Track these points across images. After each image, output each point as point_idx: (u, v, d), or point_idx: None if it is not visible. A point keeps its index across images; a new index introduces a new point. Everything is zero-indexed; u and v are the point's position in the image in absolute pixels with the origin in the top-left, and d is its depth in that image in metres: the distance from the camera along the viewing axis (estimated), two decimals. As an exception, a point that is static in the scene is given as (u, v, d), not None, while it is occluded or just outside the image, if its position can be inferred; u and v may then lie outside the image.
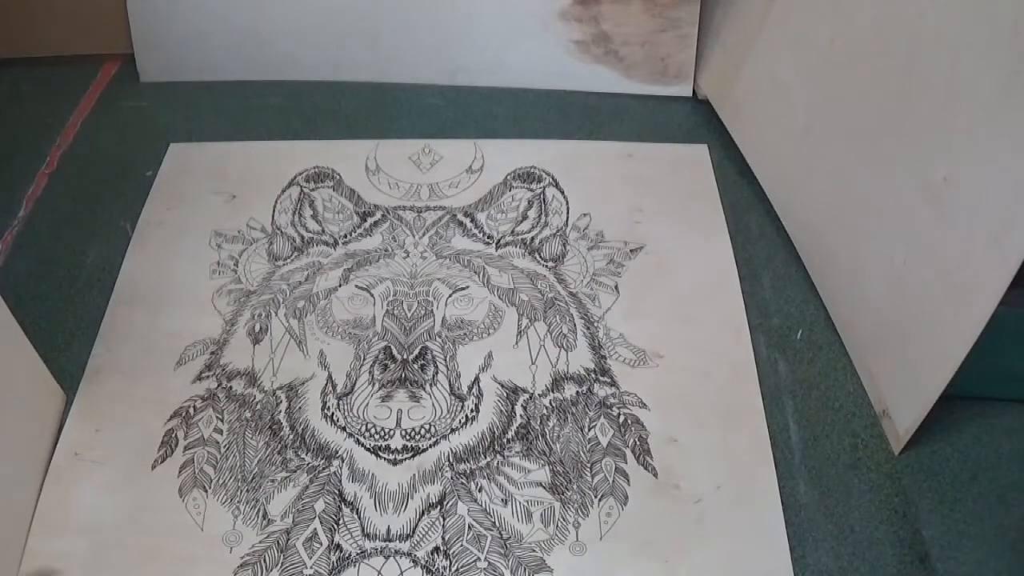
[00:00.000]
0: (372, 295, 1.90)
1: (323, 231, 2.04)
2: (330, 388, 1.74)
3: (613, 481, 1.61)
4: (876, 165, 1.71)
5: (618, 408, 1.71)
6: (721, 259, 1.98)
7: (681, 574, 1.50)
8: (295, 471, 1.62)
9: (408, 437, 1.67)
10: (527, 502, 1.58)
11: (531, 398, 1.73)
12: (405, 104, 2.38)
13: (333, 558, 1.51)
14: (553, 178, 2.16)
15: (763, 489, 1.60)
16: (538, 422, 1.69)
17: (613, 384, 1.75)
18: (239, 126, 2.30)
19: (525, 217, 2.07)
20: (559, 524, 1.55)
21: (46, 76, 2.42)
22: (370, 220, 2.06)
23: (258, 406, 1.72)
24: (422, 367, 1.76)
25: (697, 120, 2.32)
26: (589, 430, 1.68)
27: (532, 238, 2.02)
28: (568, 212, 2.08)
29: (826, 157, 1.87)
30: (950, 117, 1.52)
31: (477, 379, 1.75)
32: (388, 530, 1.54)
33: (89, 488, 1.60)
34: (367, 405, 1.71)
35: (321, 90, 2.41)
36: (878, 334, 1.73)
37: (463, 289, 1.90)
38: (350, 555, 1.51)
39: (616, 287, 1.92)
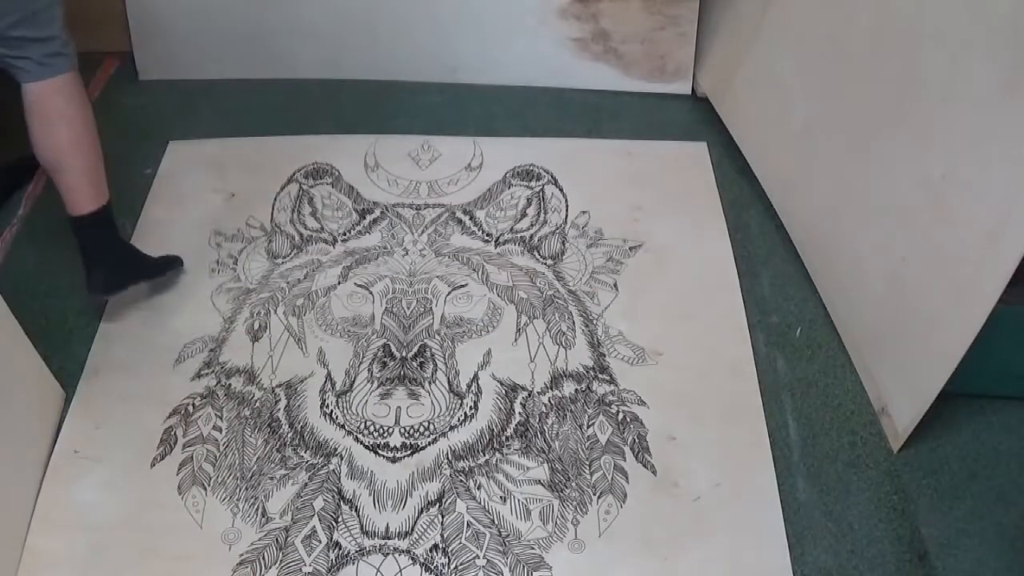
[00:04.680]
0: (371, 293, 1.90)
1: (322, 228, 2.04)
2: (329, 386, 1.74)
3: (612, 479, 1.61)
4: (875, 162, 1.71)
5: (617, 406, 1.71)
6: (720, 257, 1.98)
7: (680, 571, 1.50)
8: (294, 469, 1.62)
9: (407, 435, 1.67)
10: (526, 499, 1.58)
11: (530, 395, 1.73)
12: (404, 102, 2.38)
13: (332, 556, 1.51)
14: (552, 176, 2.16)
15: (762, 487, 1.60)
16: (537, 419, 1.69)
17: (612, 382, 1.75)
18: (238, 124, 2.30)
19: (524, 215, 2.07)
20: (558, 522, 1.55)
21: (45, 74, 2.42)
22: (369, 217, 2.06)
23: (257, 404, 1.72)
24: (421, 365, 1.76)
25: (696, 118, 2.32)
26: (588, 428, 1.68)
27: (531, 236, 2.02)
28: (567, 210, 2.08)
29: (825, 155, 1.87)
30: (949, 115, 1.51)
31: (476, 376, 1.75)
32: (387, 527, 1.54)
33: (88, 486, 1.60)
34: (366, 403, 1.71)
35: (320, 88, 2.41)
36: (877, 332, 1.73)
37: (462, 287, 1.90)
38: (349, 553, 1.51)
39: (615, 285, 1.92)
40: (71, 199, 1.73)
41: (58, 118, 1.66)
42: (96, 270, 1.76)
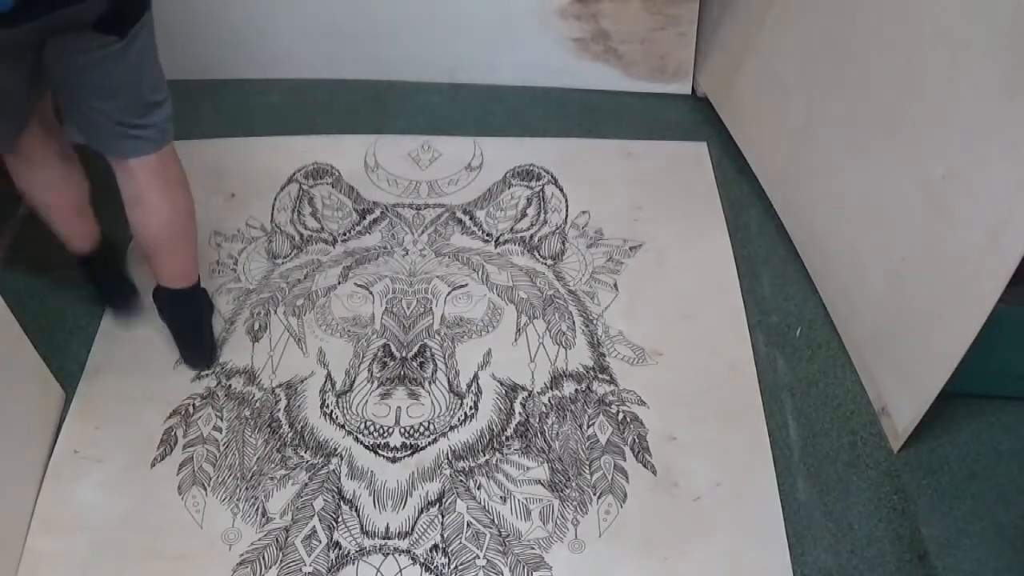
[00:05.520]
0: (371, 293, 1.90)
1: (322, 229, 2.04)
2: (329, 386, 1.74)
3: (612, 479, 1.61)
4: (875, 163, 1.71)
5: (617, 406, 1.71)
6: (720, 257, 1.98)
7: (680, 571, 1.50)
8: (294, 469, 1.62)
9: (407, 435, 1.67)
10: (526, 499, 1.58)
11: (530, 396, 1.73)
12: (404, 101, 2.38)
13: (332, 556, 1.51)
14: (552, 176, 2.16)
15: (762, 487, 1.60)
16: (537, 419, 1.69)
17: (612, 382, 1.75)
18: (238, 124, 2.30)
19: (524, 215, 2.07)
20: (558, 522, 1.56)
21: (45, 74, 2.42)
22: (369, 217, 2.06)
23: (257, 404, 1.72)
24: (421, 365, 1.76)
25: (696, 118, 2.32)
26: (588, 428, 1.68)
27: (531, 236, 2.02)
28: (567, 210, 2.08)
29: (825, 155, 1.87)
30: (949, 115, 1.51)
31: (476, 376, 1.75)
32: (387, 527, 1.54)
33: (88, 486, 1.60)
34: (366, 403, 1.71)
35: (320, 87, 2.41)
36: (877, 332, 1.73)
37: (462, 287, 1.90)
38: (349, 553, 1.51)
39: (615, 285, 1.92)
40: (186, 270, 1.70)
41: (181, 185, 1.61)
42: (198, 344, 1.77)
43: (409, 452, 1.64)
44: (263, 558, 1.51)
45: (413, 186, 2.14)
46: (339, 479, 1.61)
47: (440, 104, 2.37)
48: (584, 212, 2.07)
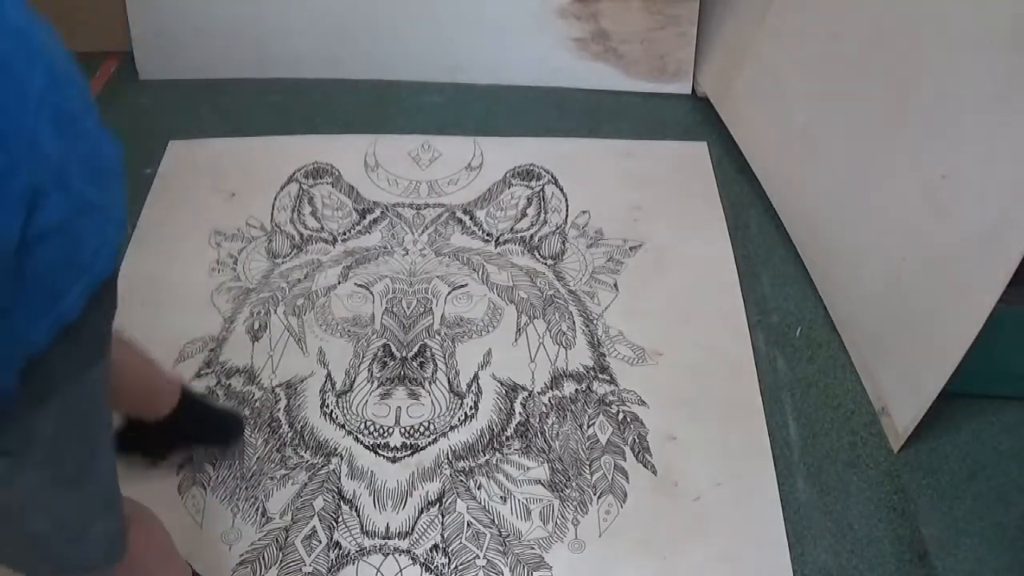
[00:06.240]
0: (371, 293, 1.90)
1: (322, 228, 2.04)
2: (329, 386, 1.74)
3: (612, 479, 1.61)
4: (875, 163, 1.71)
5: (617, 406, 1.71)
6: (720, 257, 1.98)
7: (680, 571, 1.50)
8: (294, 469, 1.62)
9: (407, 435, 1.67)
10: (526, 499, 1.58)
11: (530, 395, 1.73)
12: (404, 101, 2.38)
13: (332, 556, 1.51)
14: (552, 176, 2.16)
15: (762, 486, 1.60)
16: (537, 419, 1.69)
17: (612, 382, 1.75)
18: (238, 123, 2.30)
19: (524, 215, 2.07)
20: (558, 522, 1.55)
21: (45, 74, 2.42)
22: (369, 217, 2.06)
23: (257, 403, 1.72)
24: (421, 364, 1.76)
25: (696, 118, 2.32)
26: (588, 428, 1.68)
27: (531, 236, 2.02)
28: (567, 210, 2.08)
29: (826, 155, 1.87)
30: (949, 115, 1.52)
31: (476, 376, 1.75)
32: (387, 527, 1.54)
33: (88, 486, 1.60)
34: (366, 403, 1.71)
35: (320, 87, 2.41)
36: (877, 332, 1.73)
37: (462, 287, 1.90)
38: (349, 553, 1.51)
39: (615, 285, 1.92)
40: (172, 395, 1.50)
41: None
42: (219, 442, 1.63)
43: (409, 452, 1.64)
44: (263, 558, 1.51)
45: (413, 186, 2.14)
46: (339, 479, 1.60)
47: (440, 104, 2.37)
48: (584, 212, 2.07)
